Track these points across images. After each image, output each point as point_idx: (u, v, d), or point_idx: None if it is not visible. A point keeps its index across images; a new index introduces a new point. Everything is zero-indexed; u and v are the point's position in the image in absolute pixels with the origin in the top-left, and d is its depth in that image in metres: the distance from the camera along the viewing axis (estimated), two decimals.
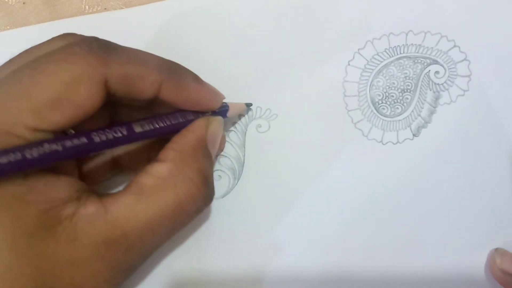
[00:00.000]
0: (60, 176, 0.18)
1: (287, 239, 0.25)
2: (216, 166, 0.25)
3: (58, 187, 0.17)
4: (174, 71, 0.20)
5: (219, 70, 0.26)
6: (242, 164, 0.25)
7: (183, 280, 0.24)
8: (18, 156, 0.15)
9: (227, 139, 0.25)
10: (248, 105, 0.25)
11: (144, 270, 0.24)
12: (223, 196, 0.25)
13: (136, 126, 0.19)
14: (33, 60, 0.17)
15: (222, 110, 0.22)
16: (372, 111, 0.26)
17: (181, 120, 0.21)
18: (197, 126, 0.21)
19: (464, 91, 0.26)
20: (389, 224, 0.25)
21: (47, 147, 0.16)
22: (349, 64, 0.26)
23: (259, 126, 0.26)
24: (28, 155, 0.15)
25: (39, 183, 0.17)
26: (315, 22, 0.26)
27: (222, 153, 0.25)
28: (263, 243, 0.25)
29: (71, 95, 0.17)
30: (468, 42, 0.26)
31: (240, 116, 0.25)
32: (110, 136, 0.18)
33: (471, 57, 0.26)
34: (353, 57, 0.26)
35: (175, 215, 0.19)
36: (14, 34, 0.26)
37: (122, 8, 0.27)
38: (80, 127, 0.18)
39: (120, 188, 0.21)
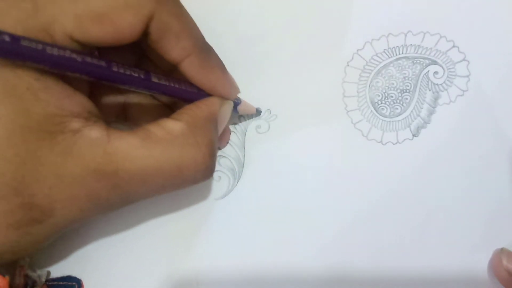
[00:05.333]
0: (77, 92, 0.17)
1: (287, 239, 0.25)
2: (216, 167, 0.25)
3: (72, 100, 0.17)
4: (205, 50, 0.20)
5: None
6: (242, 165, 0.25)
7: (183, 280, 0.24)
8: (40, 46, 0.15)
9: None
10: (258, 111, 0.25)
11: (144, 270, 0.24)
12: (223, 197, 0.25)
13: (153, 76, 0.19)
14: None
15: (234, 103, 0.23)
16: (371, 111, 0.26)
17: (195, 91, 0.21)
18: (211, 101, 0.21)
19: (463, 91, 0.26)
20: (389, 224, 0.25)
21: (68, 52, 0.16)
22: (348, 65, 0.26)
23: (259, 126, 0.26)
24: (48, 50, 0.15)
25: (55, 87, 0.16)
26: (314, 23, 0.26)
27: (222, 153, 0.25)
28: (262, 244, 0.25)
29: (116, 16, 0.16)
30: (467, 42, 0.26)
31: (240, 117, 0.25)
32: (127, 72, 0.18)
33: (470, 57, 0.26)
34: (352, 58, 0.26)
35: (172, 174, 0.18)
36: None
37: None
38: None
39: None
